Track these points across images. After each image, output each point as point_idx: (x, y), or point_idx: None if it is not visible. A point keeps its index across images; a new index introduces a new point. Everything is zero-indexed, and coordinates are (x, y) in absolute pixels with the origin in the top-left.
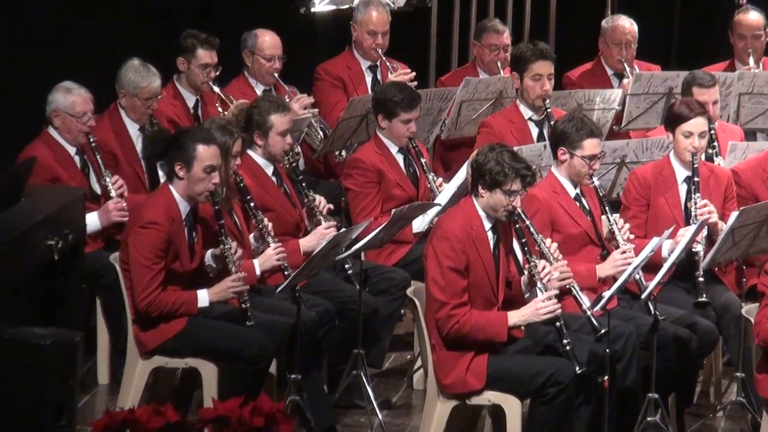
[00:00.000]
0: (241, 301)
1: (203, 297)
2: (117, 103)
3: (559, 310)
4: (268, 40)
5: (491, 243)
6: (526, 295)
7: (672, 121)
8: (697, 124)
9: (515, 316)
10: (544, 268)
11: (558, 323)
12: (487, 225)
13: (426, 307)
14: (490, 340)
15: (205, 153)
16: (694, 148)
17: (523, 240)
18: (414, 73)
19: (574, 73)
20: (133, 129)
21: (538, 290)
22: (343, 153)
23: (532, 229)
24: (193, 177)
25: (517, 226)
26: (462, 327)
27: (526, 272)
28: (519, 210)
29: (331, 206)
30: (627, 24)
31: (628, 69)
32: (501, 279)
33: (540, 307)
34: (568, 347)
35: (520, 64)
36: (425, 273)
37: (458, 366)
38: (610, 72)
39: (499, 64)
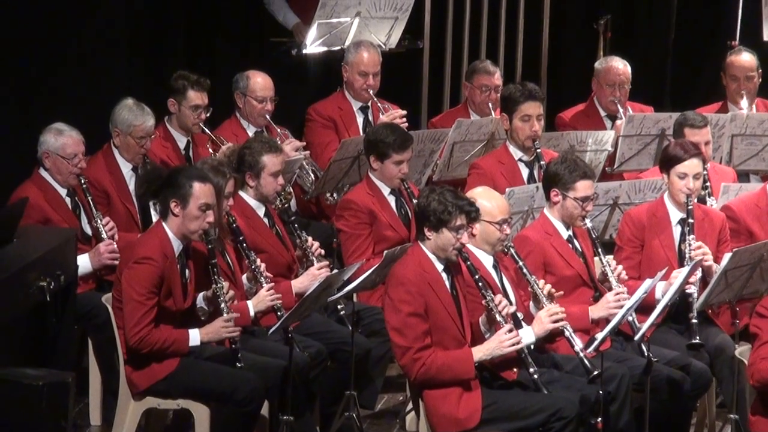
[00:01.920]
0: (231, 343)
1: (195, 336)
2: (111, 142)
3: (525, 340)
4: (260, 82)
5: (447, 284)
6: (486, 335)
7: (667, 162)
8: (692, 165)
9: (480, 351)
10: (500, 301)
11: (522, 354)
12: (439, 267)
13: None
14: (459, 378)
15: (201, 191)
16: (689, 189)
17: (476, 276)
18: (404, 112)
19: (567, 113)
20: (126, 168)
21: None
22: (334, 195)
23: (525, 270)
24: (189, 214)
25: (468, 263)
26: (429, 369)
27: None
28: (512, 251)
29: (322, 251)
30: (620, 65)
31: (621, 110)
32: (465, 318)
33: (503, 339)
34: (535, 376)
35: (509, 105)
36: (386, 323)
37: (448, 403)
38: (603, 113)
39: (490, 105)
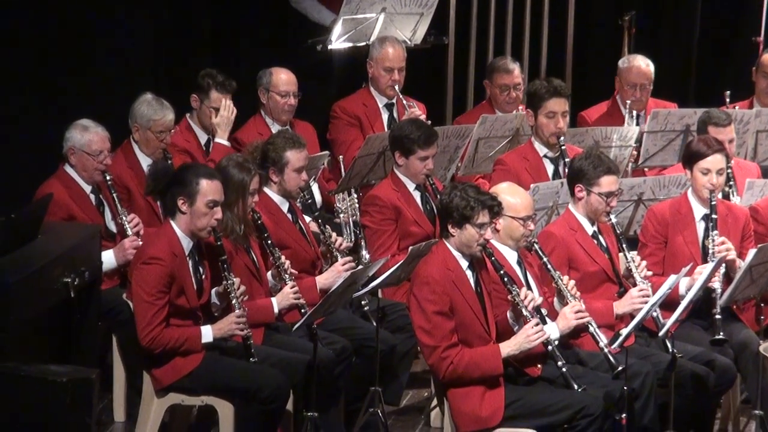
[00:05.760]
0: (244, 337)
1: (207, 333)
2: (130, 137)
3: (550, 335)
4: (283, 78)
5: (471, 281)
6: (515, 328)
7: (690, 158)
8: (715, 161)
9: (507, 347)
10: (526, 296)
11: (550, 347)
12: (464, 264)
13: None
14: (488, 375)
15: (208, 188)
16: (712, 185)
17: (502, 272)
18: (420, 112)
19: (589, 113)
20: (146, 163)
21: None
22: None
23: (549, 266)
24: (196, 212)
25: (493, 258)
26: (457, 367)
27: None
28: (536, 247)
29: (347, 246)
30: (643, 65)
31: (634, 113)
32: (489, 315)
33: (530, 333)
34: (564, 369)
35: (534, 102)
36: (412, 323)
37: (470, 401)
38: (625, 112)
39: (511, 104)
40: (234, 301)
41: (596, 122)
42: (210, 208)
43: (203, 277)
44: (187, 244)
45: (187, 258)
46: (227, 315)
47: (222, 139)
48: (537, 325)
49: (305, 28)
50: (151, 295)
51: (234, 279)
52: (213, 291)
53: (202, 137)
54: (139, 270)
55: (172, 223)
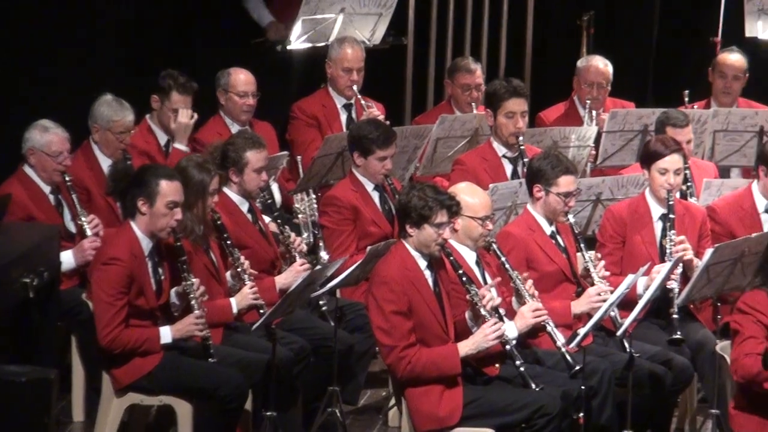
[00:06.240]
0: (203, 338)
1: (166, 334)
2: (90, 138)
3: (508, 334)
4: (241, 78)
5: (430, 281)
6: (473, 328)
7: (647, 158)
8: (673, 161)
9: (465, 346)
10: (485, 295)
11: (508, 346)
12: (422, 264)
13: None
14: (446, 374)
15: (168, 188)
16: (670, 185)
17: (460, 271)
18: (378, 113)
19: (546, 114)
20: (105, 164)
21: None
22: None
23: (507, 266)
24: (156, 212)
25: (452, 258)
26: (415, 367)
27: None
28: (495, 247)
29: (305, 247)
30: (601, 65)
31: (594, 113)
32: (447, 315)
33: (488, 332)
34: (522, 368)
35: (493, 102)
36: (370, 322)
37: (428, 400)
38: (582, 112)
39: (473, 104)
40: (193, 302)
41: (554, 123)
42: (170, 208)
43: (162, 277)
44: (146, 244)
45: (147, 259)
46: (187, 316)
47: (181, 145)
48: (495, 324)
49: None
50: (111, 295)
51: (193, 280)
52: (173, 291)
53: (162, 138)
54: (98, 270)
55: (132, 223)
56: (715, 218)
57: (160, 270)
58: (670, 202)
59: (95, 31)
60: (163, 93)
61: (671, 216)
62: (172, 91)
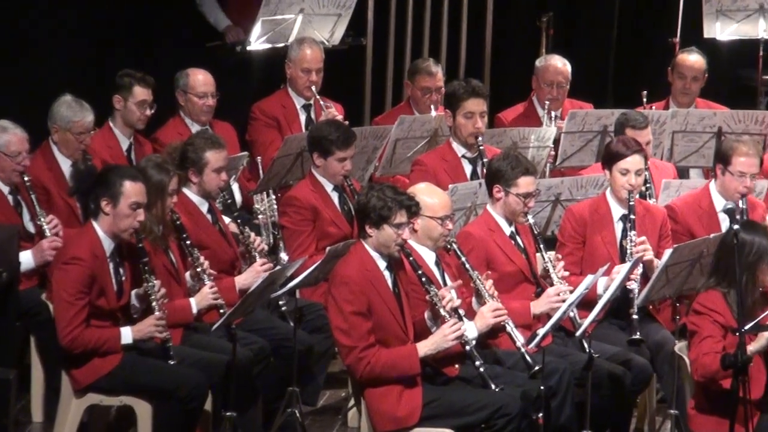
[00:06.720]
0: (163, 340)
1: (126, 334)
2: (49, 138)
3: (467, 335)
4: (200, 79)
5: (389, 282)
6: (433, 329)
7: (609, 158)
8: (634, 161)
9: (425, 346)
10: (444, 296)
11: (468, 347)
12: (382, 264)
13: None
14: (405, 375)
15: (132, 189)
16: (631, 185)
17: (420, 272)
18: (337, 113)
19: (505, 114)
20: (65, 164)
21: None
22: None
23: (467, 266)
24: (119, 213)
25: (411, 258)
26: (374, 367)
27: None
28: (455, 247)
29: (265, 247)
30: (560, 64)
31: (553, 114)
32: (407, 315)
33: (447, 332)
34: (481, 369)
35: (452, 102)
36: (329, 323)
37: (388, 401)
38: (541, 112)
39: (432, 106)
40: (154, 304)
41: (512, 123)
42: (133, 209)
43: (123, 278)
44: (108, 245)
45: (108, 259)
46: (147, 317)
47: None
48: (454, 324)
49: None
50: (72, 295)
51: (155, 282)
52: (133, 293)
53: (125, 143)
54: (60, 270)
55: (95, 224)
56: (674, 217)
57: (121, 271)
58: (631, 203)
59: (54, 32)
60: (125, 90)
61: (632, 217)
62: (134, 86)
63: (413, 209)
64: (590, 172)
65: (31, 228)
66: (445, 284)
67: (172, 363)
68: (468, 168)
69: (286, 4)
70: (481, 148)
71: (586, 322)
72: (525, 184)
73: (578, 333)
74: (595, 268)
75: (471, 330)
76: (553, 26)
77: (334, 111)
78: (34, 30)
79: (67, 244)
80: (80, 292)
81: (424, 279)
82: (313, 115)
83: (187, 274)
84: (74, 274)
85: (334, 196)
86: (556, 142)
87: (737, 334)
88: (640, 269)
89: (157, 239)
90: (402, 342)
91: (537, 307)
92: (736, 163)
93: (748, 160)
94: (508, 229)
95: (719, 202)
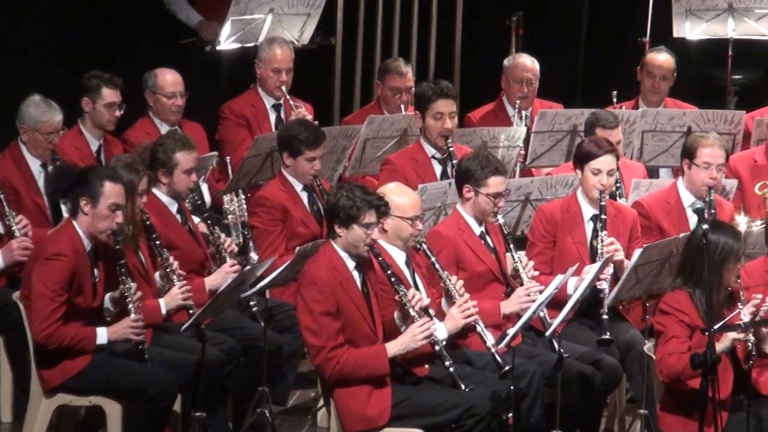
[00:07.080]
0: (137, 342)
1: (102, 334)
2: (18, 139)
3: (437, 335)
4: (168, 79)
5: (358, 282)
6: (402, 329)
7: (581, 158)
8: (606, 161)
9: (394, 346)
10: (414, 296)
11: (437, 347)
12: (351, 264)
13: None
14: (374, 375)
15: (112, 190)
16: (603, 185)
17: (389, 272)
18: (306, 113)
19: (475, 114)
20: (34, 164)
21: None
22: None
23: (437, 266)
24: (98, 214)
25: (380, 258)
26: (343, 367)
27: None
28: (425, 247)
29: (235, 248)
30: (528, 62)
31: (523, 113)
32: (376, 315)
33: (417, 332)
34: (451, 369)
35: (422, 103)
36: (299, 323)
37: (357, 401)
38: (511, 112)
39: (402, 106)
40: (130, 306)
41: (481, 122)
42: (112, 211)
43: (98, 279)
44: (87, 244)
45: (87, 258)
46: (121, 320)
47: None
48: (424, 324)
49: (189, 27)
50: (52, 290)
51: (131, 284)
52: (107, 296)
53: (94, 144)
54: (42, 265)
55: (74, 223)
56: (642, 213)
57: (96, 271)
58: (602, 203)
59: (23, 31)
60: (93, 92)
61: (603, 217)
62: (102, 88)
63: (382, 209)
64: (560, 172)
65: (0, 229)
66: (416, 284)
67: (147, 364)
68: (438, 168)
69: (255, 3)
70: (450, 148)
71: (556, 321)
72: (495, 184)
73: (548, 333)
74: (565, 267)
75: (441, 330)
76: (523, 26)
77: (303, 111)
78: (2, 30)
79: (49, 241)
80: (61, 288)
81: (393, 279)
82: (283, 115)
83: (157, 275)
84: (57, 270)
85: (304, 196)
86: (526, 141)
87: (706, 333)
88: (610, 269)
89: (127, 239)
90: (371, 342)
91: (507, 307)
92: (701, 154)
93: (713, 151)
94: (477, 229)
95: (687, 199)
